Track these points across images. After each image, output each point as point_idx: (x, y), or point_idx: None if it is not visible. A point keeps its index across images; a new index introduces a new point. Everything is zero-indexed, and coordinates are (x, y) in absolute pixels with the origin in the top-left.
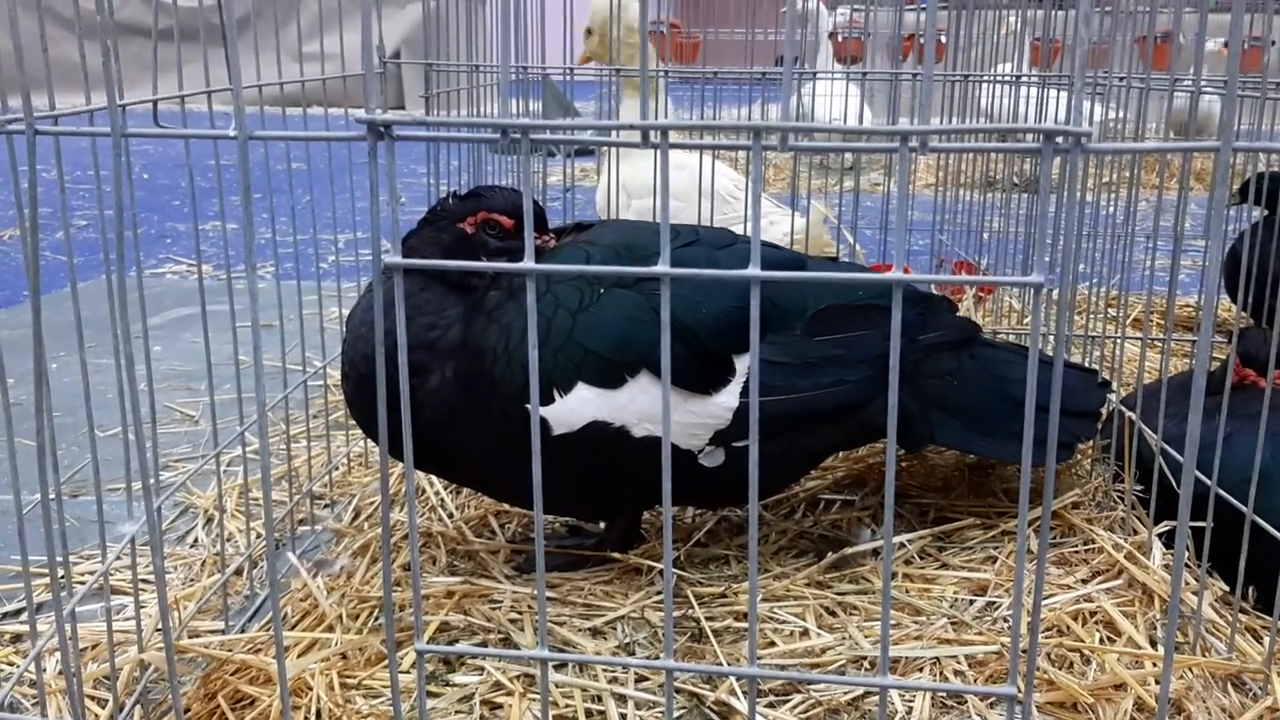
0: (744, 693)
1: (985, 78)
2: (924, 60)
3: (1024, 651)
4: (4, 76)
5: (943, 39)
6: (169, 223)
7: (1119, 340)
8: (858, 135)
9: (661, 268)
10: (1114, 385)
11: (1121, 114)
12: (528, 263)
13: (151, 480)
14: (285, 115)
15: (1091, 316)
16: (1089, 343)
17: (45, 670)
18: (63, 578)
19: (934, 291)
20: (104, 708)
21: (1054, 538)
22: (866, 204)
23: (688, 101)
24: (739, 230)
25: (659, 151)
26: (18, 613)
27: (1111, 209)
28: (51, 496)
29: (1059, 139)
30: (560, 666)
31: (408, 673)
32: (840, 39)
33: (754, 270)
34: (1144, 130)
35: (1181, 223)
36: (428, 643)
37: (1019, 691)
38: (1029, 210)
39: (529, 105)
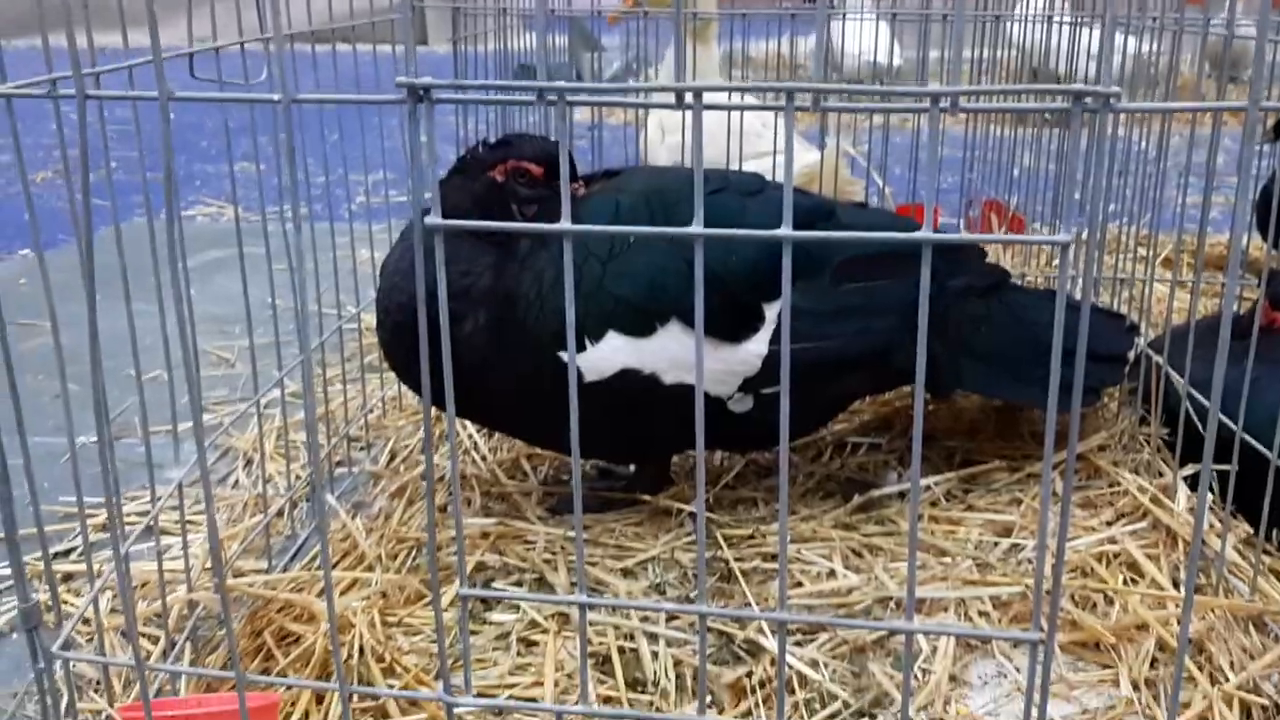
0: (773, 633)
1: (1016, 16)
2: (954, 9)
3: (1047, 593)
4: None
5: None
6: (197, 164)
7: (1148, 282)
8: (889, 95)
9: (695, 228)
10: (1142, 328)
11: (1156, 46)
12: (564, 224)
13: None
14: (315, 53)
15: (1122, 256)
16: (1118, 284)
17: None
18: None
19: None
20: (155, 644)
21: (1080, 480)
22: (896, 140)
23: (719, 37)
24: (766, 163)
25: (693, 112)
26: (66, 553)
27: (1144, 144)
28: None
29: (1088, 99)
30: (594, 606)
31: (446, 610)
32: None
33: (786, 230)
34: (1177, 61)
35: (1214, 160)
36: (449, 580)
37: (1041, 634)
38: (1059, 146)
39: (555, 42)
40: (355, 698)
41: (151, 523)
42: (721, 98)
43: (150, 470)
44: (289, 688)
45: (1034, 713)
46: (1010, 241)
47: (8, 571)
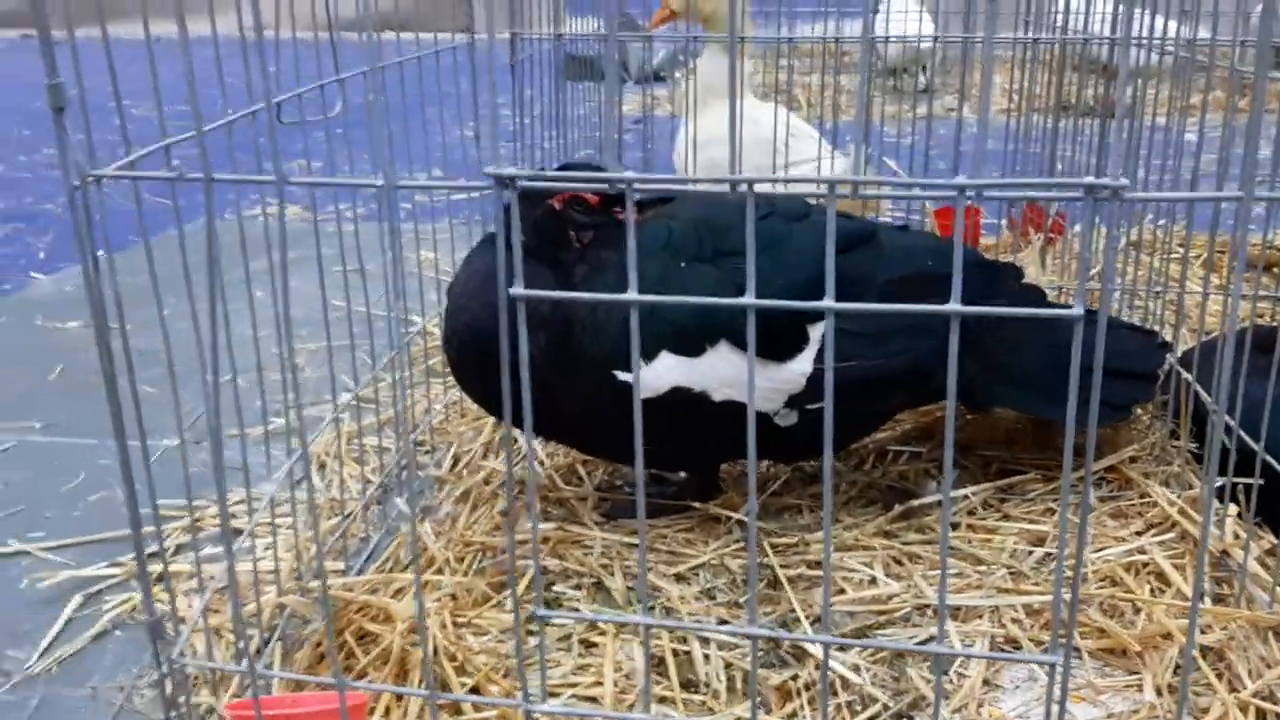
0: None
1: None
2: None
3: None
4: None
5: None
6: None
7: (1180, 291)
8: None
9: (748, 299)
10: (1180, 334)
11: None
12: (631, 294)
13: (270, 425)
14: (372, 40)
15: (1161, 259)
16: (1151, 295)
17: (193, 609)
18: (219, 519)
19: (999, 260)
20: (250, 644)
21: (1111, 491)
22: (941, 131)
23: (761, 18)
24: (800, 169)
25: (747, 198)
26: (154, 555)
27: (1185, 134)
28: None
29: (1101, 191)
30: (649, 610)
31: (509, 612)
32: None
33: (827, 302)
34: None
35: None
36: (528, 585)
37: (1059, 659)
38: (1100, 139)
39: (596, 25)
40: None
41: (244, 527)
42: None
43: (246, 476)
44: (384, 656)
45: None
46: (1024, 315)
47: (110, 572)
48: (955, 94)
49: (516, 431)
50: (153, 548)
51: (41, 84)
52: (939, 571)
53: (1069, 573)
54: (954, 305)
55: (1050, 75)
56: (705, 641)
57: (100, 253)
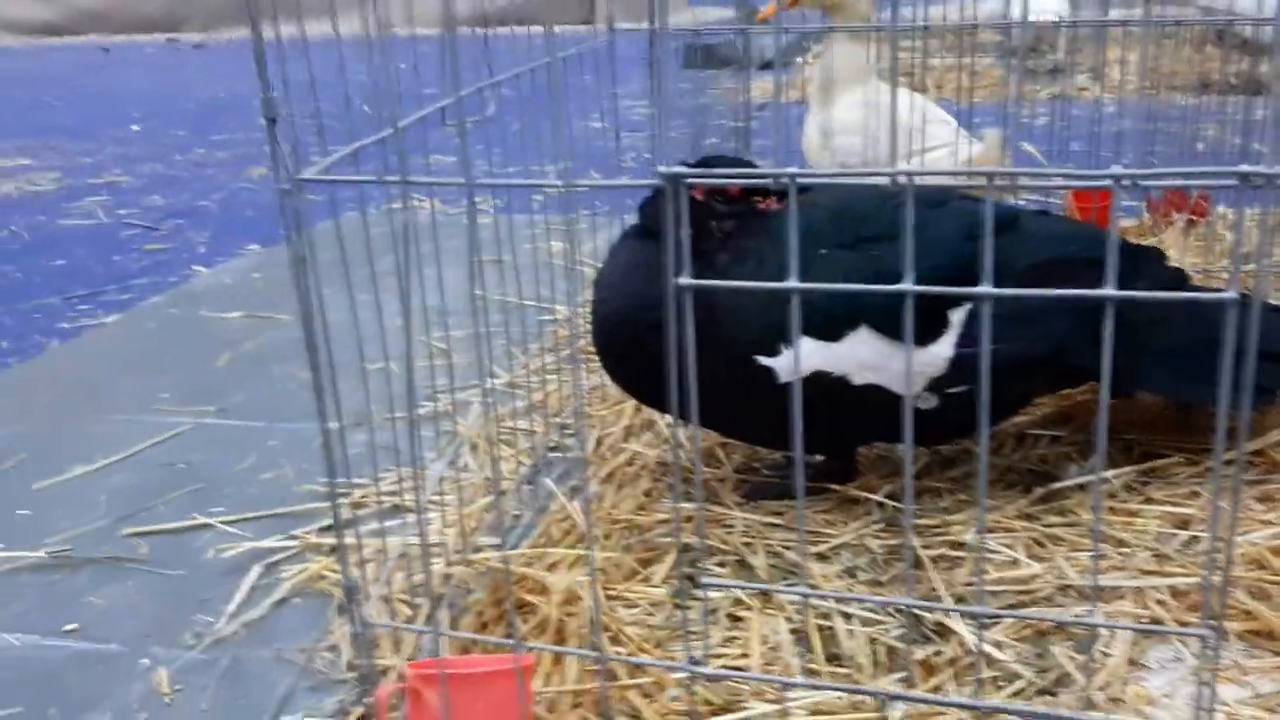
0: (965, 620)
1: None
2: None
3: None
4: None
5: None
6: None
7: None
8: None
9: (906, 285)
10: None
11: None
12: (791, 281)
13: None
14: (487, 36)
15: None
16: None
17: (366, 579)
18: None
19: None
20: (419, 611)
21: (1258, 475)
22: (1074, 113)
23: (889, 2)
24: (931, 159)
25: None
26: (328, 528)
27: None
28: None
29: (1254, 178)
30: (791, 584)
31: (656, 586)
32: None
33: (985, 287)
34: None
35: None
36: (671, 567)
37: (1210, 629)
38: (1244, 116)
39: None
40: (590, 662)
41: (409, 493)
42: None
43: (415, 455)
44: (542, 651)
45: (1204, 698)
46: (1178, 300)
47: (287, 544)
48: (1088, 73)
49: (658, 416)
50: (329, 521)
51: (191, 87)
52: (1080, 553)
53: (1219, 550)
54: (1109, 290)
55: (1191, 51)
56: (848, 617)
57: (254, 246)
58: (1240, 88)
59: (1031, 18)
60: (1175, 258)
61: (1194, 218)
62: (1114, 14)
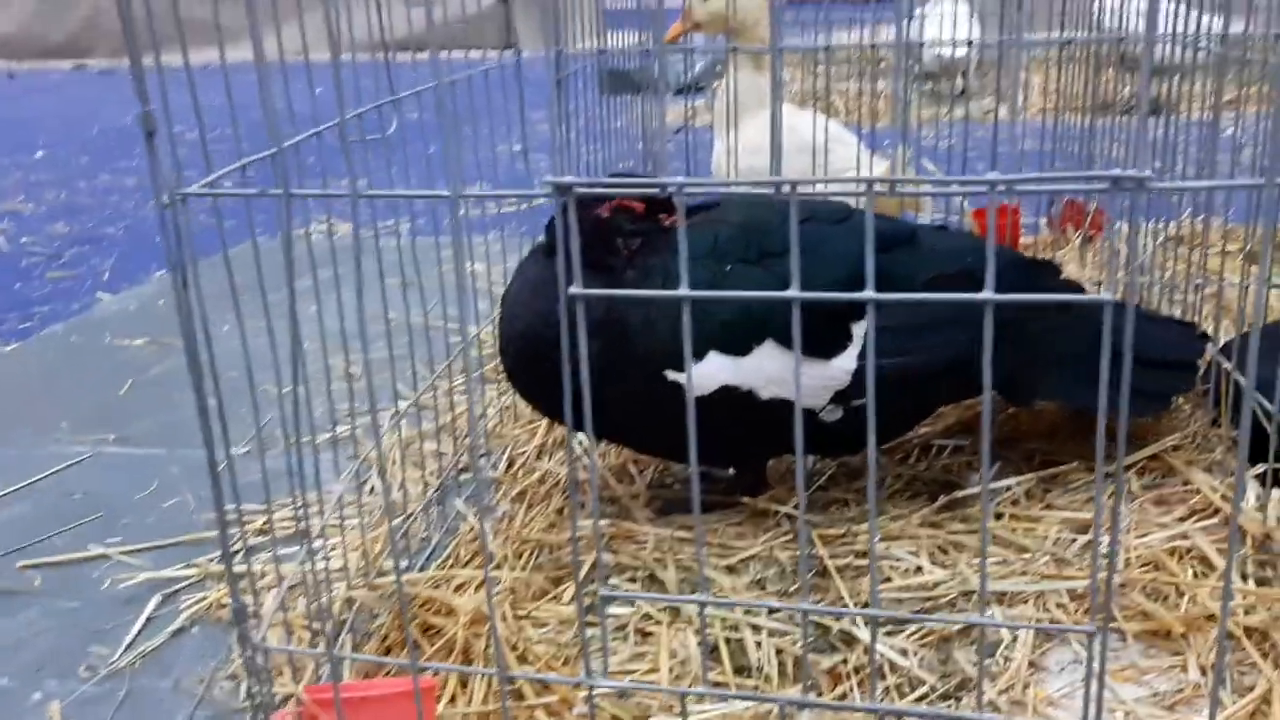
0: (866, 625)
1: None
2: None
3: (1119, 585)
4: None
5: None
6: (301, 179)
7: (1219, 284)
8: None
9: (793, 292)
10: (1222, 327)
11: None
12: (682, 290)
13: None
14: (413, 61)
15: (1204, 253)
16: (1191, 288)
17: (264, 605)
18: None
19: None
20: (319, 637)
21: (1154, 479)
22: (978, 134)
23: (799, 28)
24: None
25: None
26: (231, 555)
27: (1235, 131)
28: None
29: (1125, 182)
30: (714, 604)
31: (566, 605)
32: None
33: (869, 293)
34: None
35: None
36: (583, 578)
37: (1098, 626)
38: (1136, 136)
39: (623, 39)
40: (495, 682)
41: (316, 528)
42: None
43: (317, 478)
44: (447, 673)
45: (1094, 698)
46: (1056, 301)
47: (186, 573)
48: (993, 95)
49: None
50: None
51: (97, 113)
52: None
53: (1126, 542)
54: (988, 294)
55: (1087, 74)
56: (756, 629)
57: (161, 272)
58: (1134, 108)
59: (941, 46)
60: (1074, 272)
61: (1091, 233)
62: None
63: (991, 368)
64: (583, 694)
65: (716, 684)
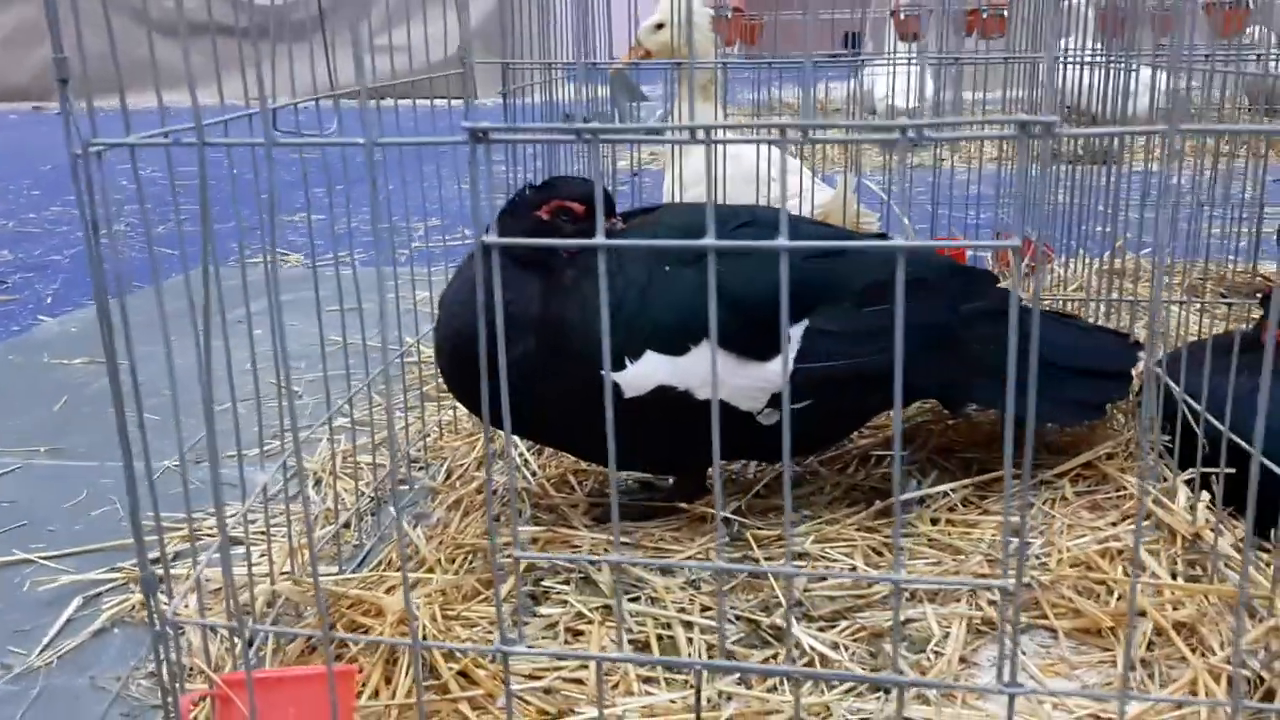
0: (791, 613)
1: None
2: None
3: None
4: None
5: (1004, 13)
6: (262, 214)
7: (1154, 304)
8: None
9: (709, 240)
10: (1161, 346)
11: (1194, 85)
12: (599, 238)
13: (266, 445)
14: (378, 108)
15: (1137, 283)
16: (1130, 307)
17: (188, 606)
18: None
19: (980, 266)
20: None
21: (1088, 485)
22: (930, 179)
23: (752, 83)
24: (789, 206)
25: (709, 147)
26: (155, 560)
27: (1176, 180)
28: (170, 464)
29: (1034, 127)
30: (634, 599)
31: (508, 602)
32: (902, 16)
33: (783, 241)
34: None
35: (1211, 191)
36: (515, 585)
37: (1011, 582)
38: (1082, 179)
39: (597, 92)
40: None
41: (240, 525)
42: (731, 133)
43: (243, 481)
44: (370, 667)
45: (1007, 655)
46: (959, 246)
47: (110, 576)
48: (946, 145)
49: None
50: (154, 554)
51: (51, 150)
52: (917, 560)
53: (1060, 543)
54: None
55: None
56: (689, 626)
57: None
58: (1085, 157)
59: (887, 100)
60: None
61: (1033, 265)
62: (967, 95)
63: (929, 376)
64: (508, 686)
65: (647, 679)
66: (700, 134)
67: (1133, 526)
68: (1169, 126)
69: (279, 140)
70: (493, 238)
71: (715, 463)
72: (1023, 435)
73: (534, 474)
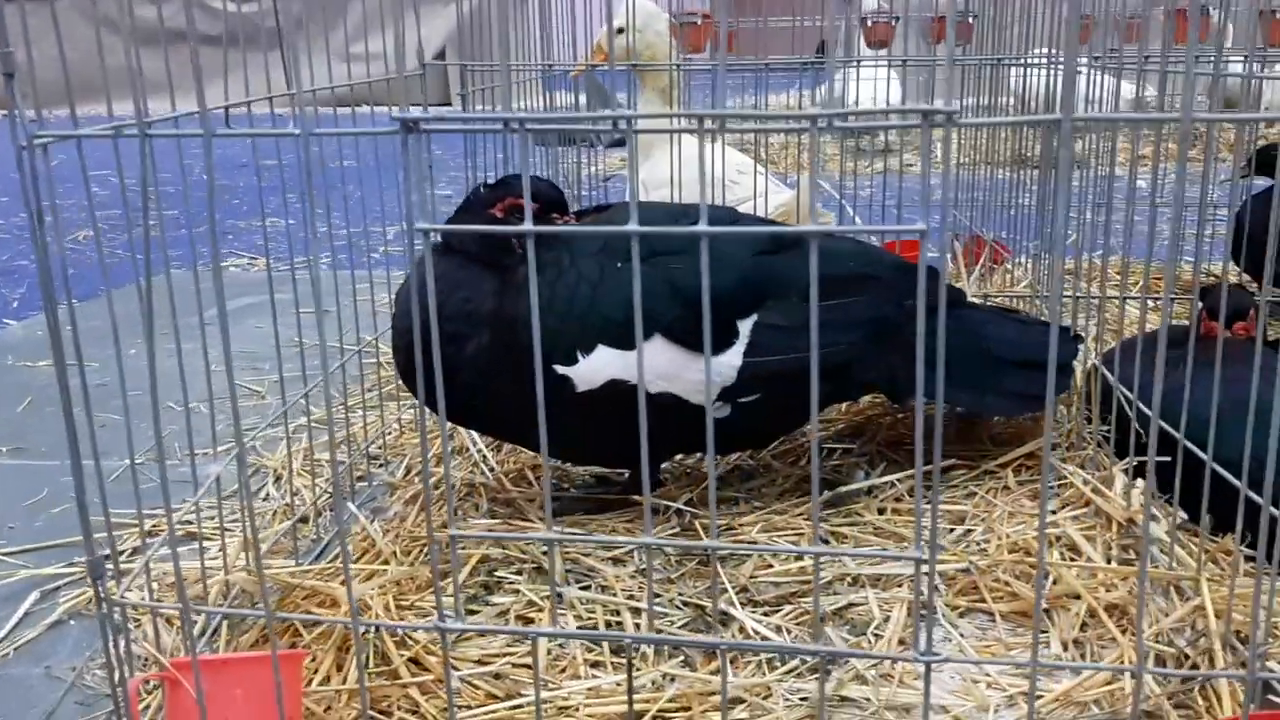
0: (740, 603)
1: (1017, 61)
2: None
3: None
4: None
5: (971, 20)
6: (230, 220)
7: (1098, 300)
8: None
9: (631, 227)
10: (1104, 342)
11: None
12: (527, 225)
13: (224, 445)
14: (336, 114)
15: (1091, 283)
16: (1076, 303)
17: (142, 599)
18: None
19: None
20: (195, 626)
21: (1031, 475)
22: (900, 185)
23: (732, 90)
24: (745, 209)
25: (633, 139)
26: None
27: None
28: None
29: (936, 116)
30: (585, 587)
31: (449, 596)
32: (870, 24)
33: (703, 226)
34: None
35: (1154, 190)
36: (469, 575)
37: (923, 554)
38: (1041, 187)
39: (563, 99)
40: (368, 670)
41: (193, 518)
42: (662, 123)
43: (194, 472)
44: (321, 654)
45: (922, 625)
46: (873, 231)
47: (67, 571)
48: (915, 150)
49: (464, 435)
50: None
51: (11, 155)
52: (861, 548)
53: (1002, 530)
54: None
55: (1009, 133)
56: (637, 613)
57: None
58: (1040, 165)
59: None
60: (974, 293)
61: (994, 265)
62: (938, 103)
63: (876, 369)
64: (454, 672)
65: (595, 664)
66: (623, 124)
67: (1071, 514)
68: (1063, 115)
69: (218, 132)
70: (426, 224)
71: (644, 445)
72: (932, 412)
73: (491, 469)
